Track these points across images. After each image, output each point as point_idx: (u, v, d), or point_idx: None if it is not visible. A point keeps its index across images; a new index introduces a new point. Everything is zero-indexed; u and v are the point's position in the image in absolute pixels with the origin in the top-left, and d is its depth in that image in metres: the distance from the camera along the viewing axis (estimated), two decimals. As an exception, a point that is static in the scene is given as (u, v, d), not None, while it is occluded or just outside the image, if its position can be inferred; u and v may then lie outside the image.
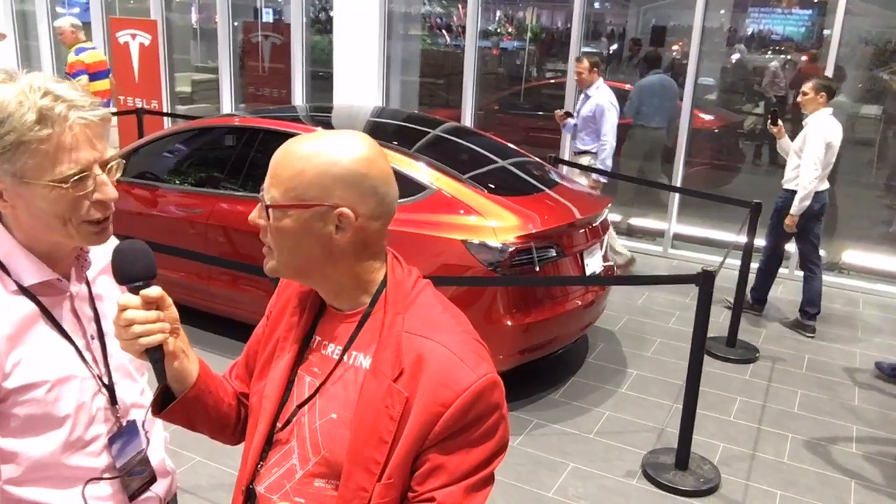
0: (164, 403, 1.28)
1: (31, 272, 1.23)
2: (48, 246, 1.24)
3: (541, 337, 3.93)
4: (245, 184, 4.55)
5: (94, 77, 7.03)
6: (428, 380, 1.13)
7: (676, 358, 4.68)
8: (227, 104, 8.68)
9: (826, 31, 8.21)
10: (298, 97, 8.22)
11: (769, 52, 8.62)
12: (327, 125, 4.79)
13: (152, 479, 1.40)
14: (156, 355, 1.18)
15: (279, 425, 1.26)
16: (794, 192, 4.94)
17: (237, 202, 4.43)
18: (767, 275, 5.37)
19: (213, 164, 4.88)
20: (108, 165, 1.21)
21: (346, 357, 1.22)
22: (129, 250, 1.20)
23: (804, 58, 8.14)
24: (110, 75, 7.36)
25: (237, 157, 4.68)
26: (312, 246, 1.16)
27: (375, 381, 1.15)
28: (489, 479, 1.17)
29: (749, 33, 8.79)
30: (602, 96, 5.88)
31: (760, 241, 5.09)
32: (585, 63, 5.90)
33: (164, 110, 8.13)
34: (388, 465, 1.13)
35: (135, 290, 1.17)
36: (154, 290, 1.18)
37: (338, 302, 1.24)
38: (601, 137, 5.87)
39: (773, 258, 5.31)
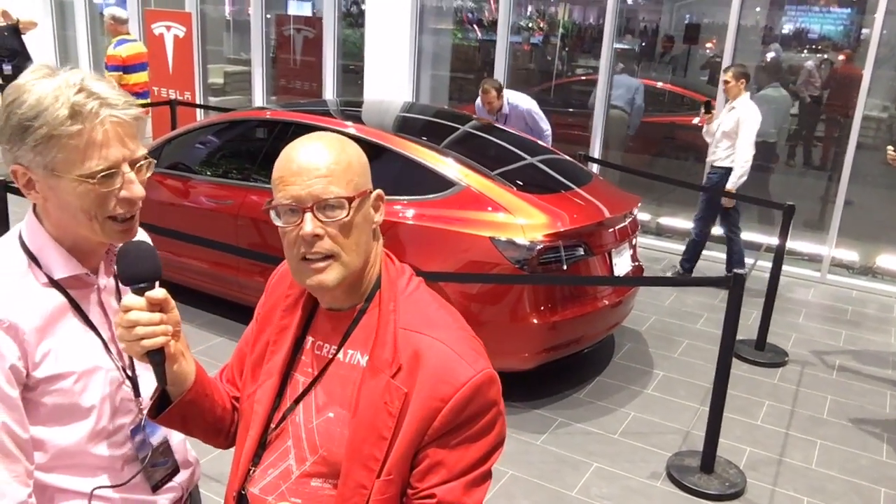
0: (161, 406, 1.27)
1: (62, 266, 1.25)
2: (77, 239, 1.26)
3: (567, 335, 3.92)
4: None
5: (130, 70, 7.12)
6: (426, 375, 1.13)
7: (704, 360, 4.64)
8: (258, 96, 8.76)
9: (865, 31, 8.07)
10: (329, 91, 8.26)
11: (805, 51, 8.48)
12: (357, 120, 4.81)
13: (175, 470, 1.42)
14: (157, 358, 1.17)
15: (272, 426, 1.26)
16: (726, 169, 5.55)
17: (268, 195, 4.47)
18: (699, 245, 5.92)
19: (244, 156, 4.93)
20: (138, 164, 1.23)
21: (341, 355, 1.22)
22: (135, 251, 1.19)
23: (840, 57, 8.00)
24: (147, 68, 7.45)
25: (269, 149, 4.72)
26: (366, 233, 1.20)
27: (374, 378, 1.16)
28: (488, 475, 1.18)
29: (785, 31, 8.65)
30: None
31: (792, 244, 5.04)
32: (493, 92, 6.01)
33: (197, 102, 8.22)
34: (388, 462, 1.14)
35: (139, 292, 1.16)
36: (159, 292, 1.16)
37: (339, 302, 1.24)
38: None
39: (706, 229, 5.90)
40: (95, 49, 10.25)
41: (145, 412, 1.33)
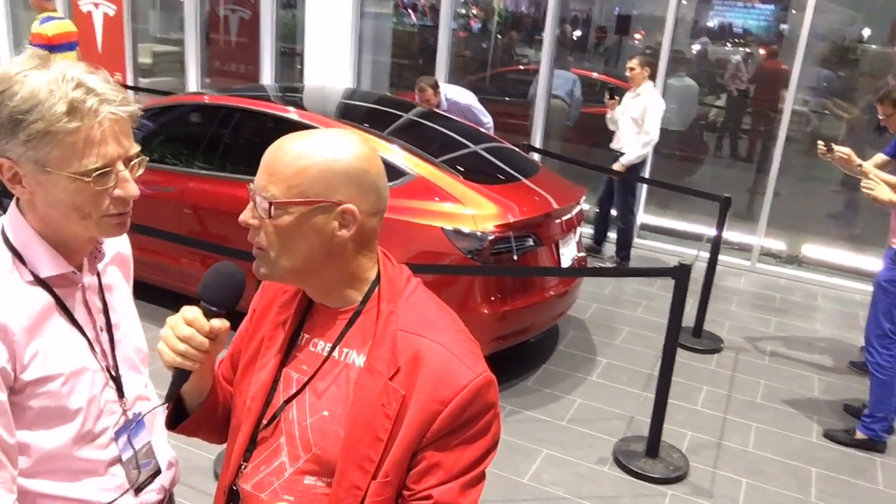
0: (174, 413, 1.28)
1: (48, 264, 1.20)
2: (64, 235, 1.21)
3: (516, 325, 3.97)
4: (220, 164, 4.47)
5: (57, 49, 6.76)
6: (426, 378, 1.13)
7: (644, 347, 4.78)
8: (192, 79, 8.48)
9: (783, 26, 8.40)
10: (267, 74, 8.07)
11: (730, 45, 8.77)
12: (299, 106, 4.73)
13: (157, 472, 1.39)
14: (181, 376, 1.19)
15: (264, 422, 1.24)
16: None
17: (211, 182, 4.36)
18: (627, 232, 6.16)
19: (184, 141, 4.78)
20: (132, 162, 1.19)
21: (336, 354, 1.21)
22: (230, 278, 1.19)
23: (762, 51, 8.31)
24: (77, 48, 7.12)
25: (211, 136, 4.59)
26: (312, 243, 1.14)
27: (371, 379, 1.15)
28: (482, 476, 1.19)
29: (713, 25, 8.93)
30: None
31: (728, 234, 5.23)
32: (429, 90, 5.98)
33: (128, 83, 7.91)
34: (385, 464, 1.13)
35: (208, 314, 1.16)
36: (223, 324, 1.18)
37: (328, 300, 1.23)
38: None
39: (630, 215, 6.17)
40: (16, 24, 9.70)
41: (130, 413, 1.30)
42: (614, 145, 6.08)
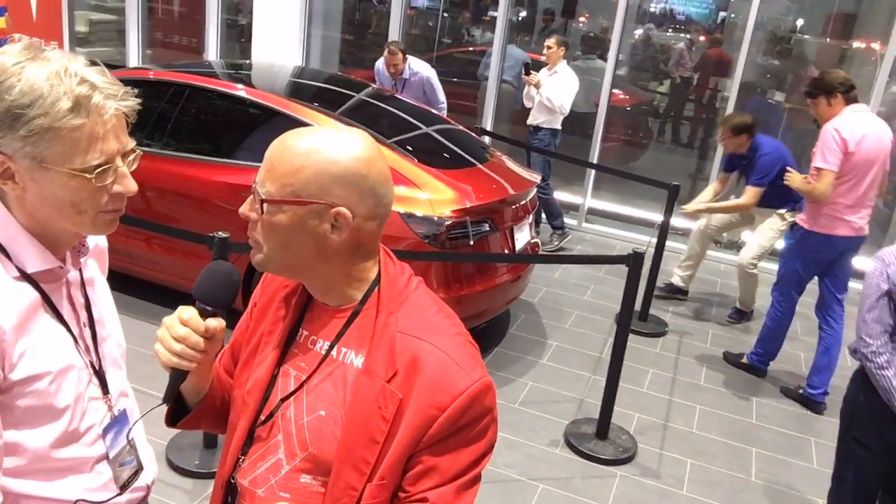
0: (174, 409, 1.29)
1: (36, 259, 1.17)
2: (51, 230, 1.18)
3: (472, 309, 4.00)
4: (167, 142, 4.35)
5: None
6: (423, 382, 1.13)
7: (593, 330, 4.88)
8: (133, 50, 8.18)
9: (722, 14, 8.59)
10: (212, 47, 7.86)
11: (671, 31, 8.93)
12: (247, 84, 4.62)
13: (140, 468, 1.37)
14: (179, 375, 1.20)
15: (262, 418, 1.24)
16: (551, 130, 6.14)
17: (159, 160, 4.24)
18: (550, 202, 6.34)
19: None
20: (129, 157, 1.17)
21: (334, 353, 1.21)
22: (226, 276, 1.19)
23: (702, 38, 8.49)
24: (6, 13, 6.77)
25: (158, 113, 4.45)
26: (305, 243, 1.14)
27: (368, 381, 1.15)
28: (478, 478, 1.20)
29: (656, 11, 9.06)
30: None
31: (676, 221, 5.37)
32: (400, 55, 6.15)
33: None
34: (381, 466, 1.14)
35: (203, 314, 1.17)
36: (219, 324, 1.18)
37: (327, 298, 1.23)
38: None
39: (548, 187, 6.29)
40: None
41: (115, 410, 1.28)
42: (530, 121, 6.26)
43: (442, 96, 6.35)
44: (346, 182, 1.11)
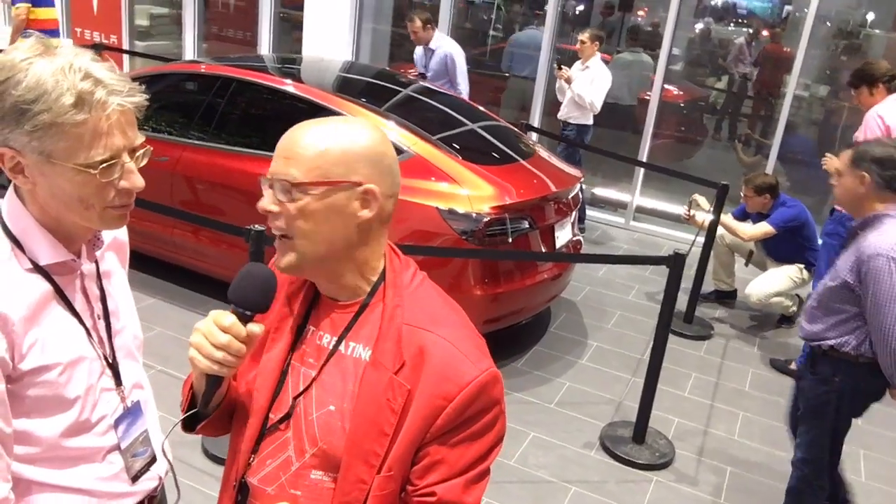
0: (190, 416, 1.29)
1: (48, 251, 1.19)
2: (64, 224, 1.20)
3: (509, 307, 3.97)
4: (215, 134, 4.42)
5: (40, 3, 6.64)
6: (430, 373, 1.13)
7: (635, 331, 4.79)
8: (189, 43, 8.36)
9: (788, 7, 8.31)
10: (265, 41, 7.97)
11: (732, 26, 8.68)
12: (296, 78, 4.67)
13: (153, 460, 1.39)
14: (216, 382, 1.18)
15: (273, 416, 1.24)
16: (582, 126, 6.08)
17: (207, 152, 4.32)
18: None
19: (178, 111, 4.72)
20: (137, 153, 1.18)
21: (342, 347, 1.21)
22: (263, 279, 1.17)
23: (764, 32, 8.23)
24: (55, 3, 6.92)
25: (207, 105, 4.53)
26: (335, 226, 1.15)
27: (376, 374, 1.15)
28: (486, 472, 1.19)
29: (717, 5, 8.82)
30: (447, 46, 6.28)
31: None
32: (418, 22, 6.20)
33: (124, 46, 7.79)
34: (389, 458, 1.14)
35: (243, 318, 1.14)
36: (259, 329, 1.16)
37: (336, 293, 1.23)
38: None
39: None
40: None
41: (129, 402, 1.30)
42: (561, 115, 6.21)
43: (462, 79, 6.27)
44: (370, 160, 1.15)
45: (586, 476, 3.36)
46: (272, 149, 4.12)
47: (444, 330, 1.17)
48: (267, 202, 1.16)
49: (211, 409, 1.30)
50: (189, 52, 8.33)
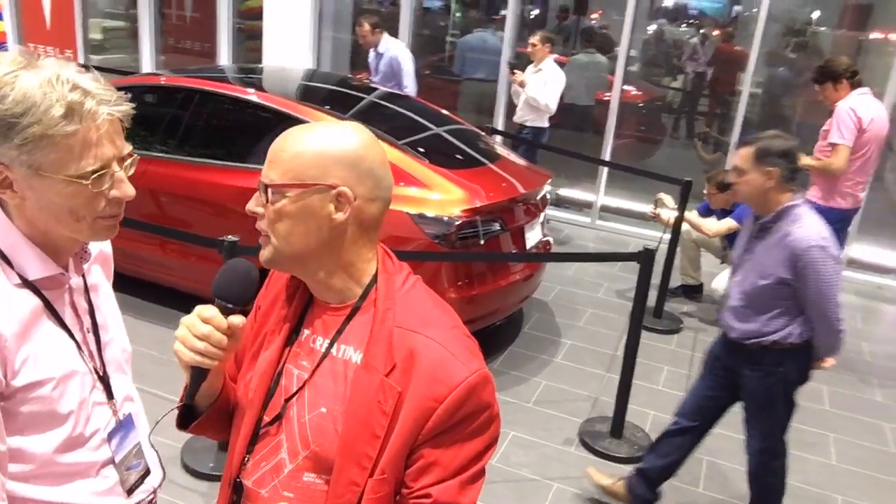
0: (184, 414, 1.30)
1: (37, 266, 1.18)
2: (52, 237, 1.19)
3: (484, 309, 3.99)
4: (179, 146, 4.37)
5: None
6: (420, 375, 1.14)
7: (607, 328, 4.85)
8: (146, 56, 8.25)
9: (737, 8, 8.52)
10: (224, 52, 7.90)
11: (683, 26, 8.87)
12: (258, 88, 4.64)
13: (147, 472, 1.38)
14: (200, 375, 1.19)
15: (266, 419, 1.25)
16: (538, 129, 6.13)
17: (173, 165, 4.27)
18: None
19: (140, 124, 4.63)
20: (125, 162, 1.18)
21: (334, 350, 1.22)
22: (246, 273, 1.20)
23: (715, 32, 8.43)
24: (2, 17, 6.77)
25: (170, 118, 4.48)
26: (310, 227, 1.16)
27: (367, 376, 1.16)
28: (481, 473, 1.20)
29: (668, 6, 9.00)
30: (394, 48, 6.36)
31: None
32: (366, 26, 6.29)
33: (80, 61, 7.65)
34: (381, 460, 1.14)
35: (225, 311, 1.17)
36: (240, 321, 1.18)
37: (327, 295, 1.24)
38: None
39: None
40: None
41: (121, 415, 1.29)
42: (517, 118, 6.27)
43: (409, 81, 6.31)
44: (345, 163, 1.15)
45: (568, 472, 3.40)
46: (238, 159, 4.16)
47: (434, 332, 1.17)
48: (251, 204, 1.19)
49: (203, 406, 1.31)
50: (146, 65, 8.22)
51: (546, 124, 6.19)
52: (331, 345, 1.22)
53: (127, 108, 1.16)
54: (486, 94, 7.87)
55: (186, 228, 4.08)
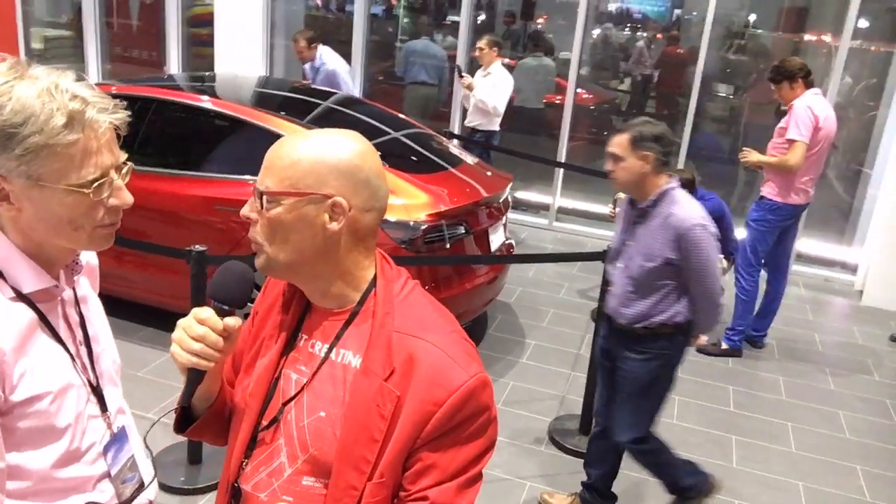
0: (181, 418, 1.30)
1: (31, 279, 1.16)
2: (46, 249, 1.17)
3: (451, 312, 4.00)
4: (135, 157, 4.26)
5: None
6: (420, 379, 1.14)
7: (570, 328, 4.92)
8: (92, 66, 8.05)
9: (677, 11, 8.74)
10: (174, 61, 7.76)
11: (628, 30, 9.05)
12: (212, 95, 4.59)
13: (142, 485, 1.36)
14: (197, 377, 1.19)
15: (264, 423, 1.25)
16: (489, 133, 6.17)
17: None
18: None
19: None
20: (122, 170, 1.17)
21: (333, 355, 1.22)
22: (241, 274, 1.21)
23: (658, 36, 8.64)
24: None
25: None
26: (304, 236, 1.16)
27: (366, 380, 1.16)
28: (479, 476, 1.21)
29: (612, 11, 9.18)
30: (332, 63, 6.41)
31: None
32: (302, 42, 6.34)
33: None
34: (380, 464, 1.15)
35: (221, 313, 1.18)
36: (236, 322, 1.18)
37: (324, 301, 1.24)
38: None
39: None
40: None
41: (115, 427, 1.28)
42: (468, 123, 6.33)
43: (346, 89, 6.34)
44: (341, 173, 1.15)
45: (540, 470, 3.44)
46: (195, 167, 4.12)
47: (433, 336, 1.18)
48: (246, 209, 1.19)
49: (200, 410, 1.31)
50: (93, 75, 8.03)
51: (496, 128, 6.24)
52: (330, 349, 1.22)
53: (124, 115, 1.15)
54: (430, 97, 8.01)
55: (146, 240, 4.00)
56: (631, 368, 2.83)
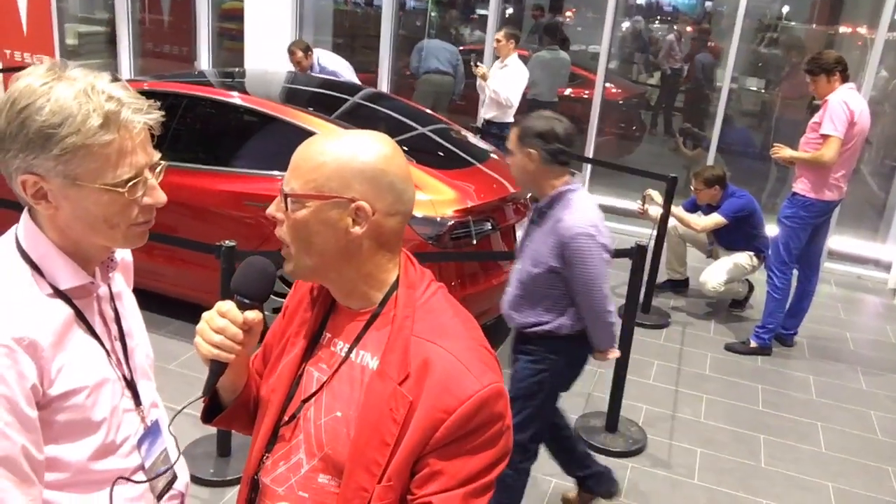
0: (209, 408, 1.33)
1: (68, 275, 1.19)
2: (83, 246, 1.21)
3: (476, 309, 3.97)
4: (166, 153, 4.33)
5: None
6: (432, 385, 1.13)
7: (596, 324, 4.89)
8: (124, 61, 8.17)
9: (708, 4, 8.63)
10: (204, 56, 7.85)
11: (658, 23, 8.95)
12: (242, 91, 4.63)
13: (174, 477, 1.39)
14: (219, 369, 1.23)
15: (285, 419, 1.27)
16: (504, 124, 6.04)
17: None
18: None
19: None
20: (156, 169, 1.20)
21: (352, 355, 1.23)
22: (261, 269, 1.24)
23: (688, 29, 8.53)
24: None
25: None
26: (328, 240, 1.17)
27: (381, 383, 1.16)
28: (489, 487, 1.18)
29: (643, 4, 9.08)
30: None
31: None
32: (299, 53, 6.31)
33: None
34: (389, 468, 1.14)
35: (242, 306, 1.21)
36: (256, 316, 1.21)
37: (349, 300, 1.25)
38: None
39: None
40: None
41: (148, 421, 1.31)
42: (483, 115, 6.34)
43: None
44: (366, 177, 1.15)
45: (565, 468, 3.43)
46: (225, 163, 4.15)
47: (449, 343, 1.17)
48: (272, 208, 1.21)
49: (227, 400, 1.35)
50: (125, 70, 8.15)
51: (511, 119, 6.18)
52: (350, 350, 1.23)
53: (157, 115, 1.17)
54: (445, 84, 7.95)
55: (176, 235, 4.06)
56: (519, 368, 2.70)
